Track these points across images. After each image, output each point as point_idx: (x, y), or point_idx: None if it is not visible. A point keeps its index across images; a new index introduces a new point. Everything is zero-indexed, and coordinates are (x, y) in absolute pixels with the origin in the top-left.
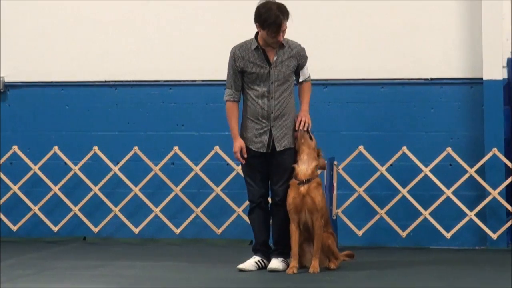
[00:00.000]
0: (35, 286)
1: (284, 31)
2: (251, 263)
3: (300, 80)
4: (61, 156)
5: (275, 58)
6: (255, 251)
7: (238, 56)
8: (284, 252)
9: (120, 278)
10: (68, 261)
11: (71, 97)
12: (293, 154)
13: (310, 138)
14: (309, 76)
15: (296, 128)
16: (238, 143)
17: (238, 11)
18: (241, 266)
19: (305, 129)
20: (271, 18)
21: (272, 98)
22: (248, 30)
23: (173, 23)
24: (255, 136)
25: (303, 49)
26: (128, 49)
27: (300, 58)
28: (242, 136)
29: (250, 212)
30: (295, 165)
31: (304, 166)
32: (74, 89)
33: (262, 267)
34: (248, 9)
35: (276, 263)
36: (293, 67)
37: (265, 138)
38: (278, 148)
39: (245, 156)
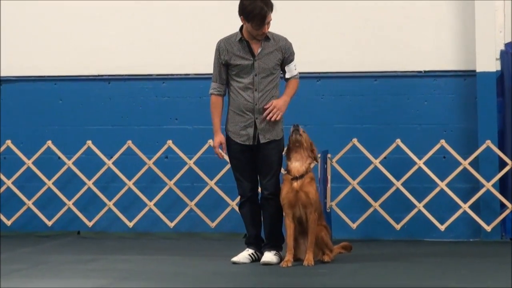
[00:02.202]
0: (29, 280)
1: (268, 23)
2: (244, 255)
3: (287, 76)
4: (54, 150)
5: (259, 50)
6: (248, 245)
7: (223, 49)
8: (276, 245)
9: (114, 272)
10: (62, 255)
11: (64, 91)
12: (279, 146)
13: (300, 135)
14: (297, 74)
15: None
16: (218, 138)
17: (231, 5)
18: (235, 259)
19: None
20: (255, 10)
21: (256, 90)
22: (240, 23)
23: (166, 17)
24: (240, 129)
25: (289, 43)
26: (121, 43)
27: (285, 52)
28: (227, 129)
29: (241, 206)
30: (288, 162)
31: (298, 163)
32: (67, 84)
33: (255, 259)
34: None
35: (269, 256)
36: (278, 60)
37: (250, 130)
38: (262, 140)
39: (225, 151)
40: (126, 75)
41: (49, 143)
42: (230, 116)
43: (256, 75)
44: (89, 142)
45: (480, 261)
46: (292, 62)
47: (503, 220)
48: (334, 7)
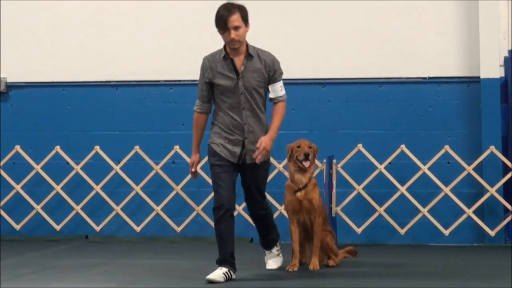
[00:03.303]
0: (37, 284)
1: (236, 29)
2: (219, 274)
3: (271, 96)
4: (63, 155)
5: (242, 68)
6: (222, 263)
7: (206, 67)
8: (275, 239)
9: (121, 276)
10: (70, 260)
11: (72, 97)
12: (266, 165)
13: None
14: (283, 96)
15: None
16: (193, 158)
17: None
18: (210, 276)
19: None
20: (218, 14)
21: (244, 109)
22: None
23: (173, 23)
24: (226, 144)
25: (275, 60)
26: (129, 49)
27: (270, 70)
28: (212, 142)
29: (218, 221)
30: (292, 171)
31: (301, 176)
32: (76, 89)
33: (229, 279)
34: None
35: (273, 263)
36: (262, 78)
37: (238, 149)
38: (249, 161)
39: (194, 170)
40: (133, 81)
41: (58, 148)
42: (215, 131)
43: (241, 94)
44: (97, 147)
45: (484, 266)
46: (278, 82)
47: (507, 225)
48: (339, 15)
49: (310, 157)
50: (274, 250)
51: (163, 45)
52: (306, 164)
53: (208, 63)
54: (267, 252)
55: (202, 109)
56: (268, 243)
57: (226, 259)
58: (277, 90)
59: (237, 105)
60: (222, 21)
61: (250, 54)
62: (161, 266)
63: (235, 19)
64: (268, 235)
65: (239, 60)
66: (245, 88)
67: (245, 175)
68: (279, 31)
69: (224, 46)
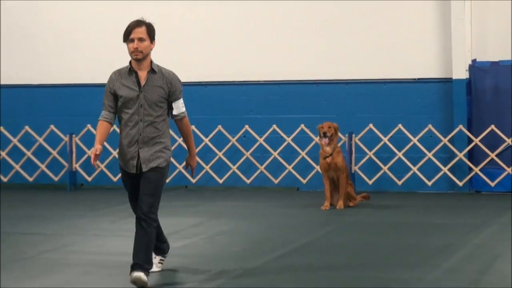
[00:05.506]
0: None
1: (140, 40)
2: (155, 264)
3: (174, 113)
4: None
5: (144, 82)
6: (155, 250)
7: (113, 79)
8: (143, 267)
9: (208, 212)
10: (174, 202)
11: None
12: (161, 172)
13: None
14: (185, 112)
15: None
16: (95, 147)
17: (276, 17)
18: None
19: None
20: (126, 29)
21: (141, 121)
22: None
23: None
24: (127, 158)
25: (177, 79)
26: (214, 55)
27: (171, 87)
28: (119, 160)
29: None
30: (323, 143)
31: (327, 148)
32: None
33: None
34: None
35: (139, 275)
36: (163, 94)
37: (134, 161)
38: (144, 169)
39: (95, 154)
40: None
41: None
42: (120, 149)
43: (141, 106)
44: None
45: (454, 206)
46: (179, 100)
47: (470, 179)
48: (356, 33)
49: (330, 134)
50: (141, 274)
51: (250, 51)
52: (324, 141)
53: (115, 76)
54: (134, 272)
55: (106, 118)
56: (137, 260)
57: (157, 246)
58: (180, 107)
59: (135, 117)
60: (127, 32)
61: (153, 69)
62: (235, 207)
63: (141, 31)
64: (139, 250)
65: (142, 74)
66: (145, 100)
67: (140, 181)
68: (316, 44)
69: (130, 62)
